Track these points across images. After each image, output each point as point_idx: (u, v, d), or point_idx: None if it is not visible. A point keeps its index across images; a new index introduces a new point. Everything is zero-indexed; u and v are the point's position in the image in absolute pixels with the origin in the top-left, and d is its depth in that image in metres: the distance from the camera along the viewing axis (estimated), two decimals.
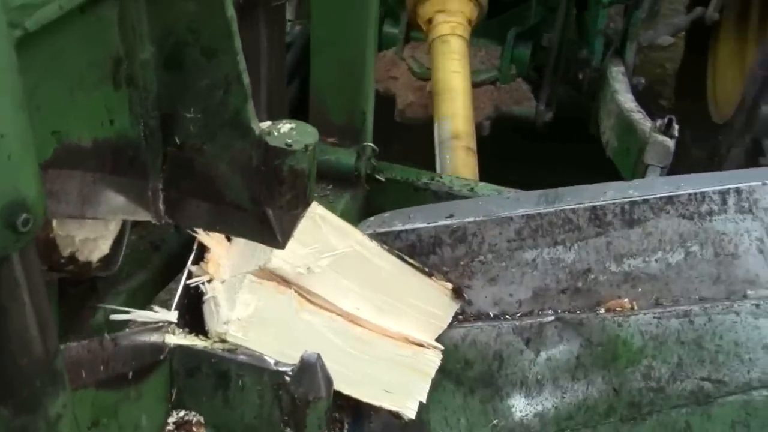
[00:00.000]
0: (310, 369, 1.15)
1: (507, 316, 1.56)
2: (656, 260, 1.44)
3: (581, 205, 1.46)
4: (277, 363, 1.19)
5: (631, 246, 1.45)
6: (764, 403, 1.36)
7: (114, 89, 0.97)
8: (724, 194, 1.38)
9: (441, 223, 1.56)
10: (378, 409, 1.44)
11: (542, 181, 2.36)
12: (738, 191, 1.37)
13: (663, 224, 1.42)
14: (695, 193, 1.39)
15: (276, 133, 1.02)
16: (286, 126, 1.03)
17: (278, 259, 1.20)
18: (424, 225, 1.56)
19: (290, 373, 1.17)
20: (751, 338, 1.36)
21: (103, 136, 0.97)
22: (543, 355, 1.54)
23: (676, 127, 1.98)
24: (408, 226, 1.57)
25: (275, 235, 1.06)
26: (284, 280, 1.25)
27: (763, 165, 2.32)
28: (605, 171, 2.84)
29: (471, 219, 1.54)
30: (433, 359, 1.48)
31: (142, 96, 1.00)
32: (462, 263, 1.57)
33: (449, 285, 1.49)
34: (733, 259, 1.39)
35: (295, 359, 1.20)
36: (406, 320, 1.46)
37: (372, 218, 1.65)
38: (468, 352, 1.56)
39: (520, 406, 1.55)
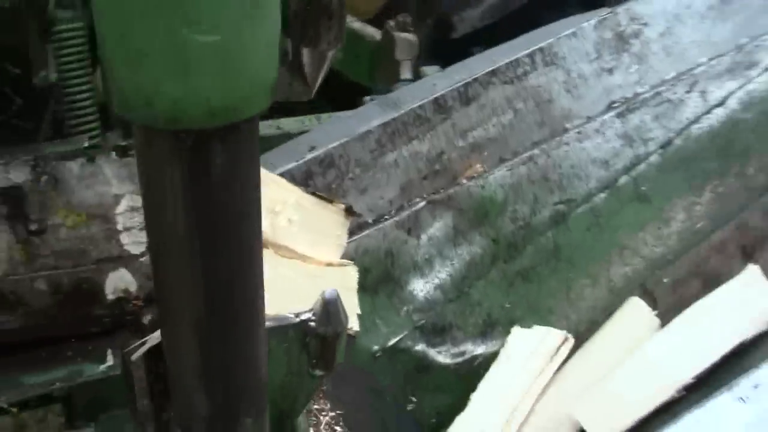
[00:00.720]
0: (333, 305, 1.24)
1: (385, 217, 1.75)
2: (493, 125, 1.73)
3: (426, 100, 1.67)
4: (297, 315, 1.25)
5: (471, 120, 1.72)
6: (604, 202, 1.76)
7: None
8: (532, 55, 1.70)
9: (310, 156, 1.66)
10: None
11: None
12: (541, 50, 1.70)
13: (492, 94, 1.70)
14: (511, 61, 1.69)
15: None
16: None
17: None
18: (295, 164, 1.66)
19: (313, 317, 1.25)
20: (581, 158, 1.74)
21: None
22: (424, 237, 1.76)
23: (410, 22, 2.26)
24: (280, 170, 1.65)
25: (307, 83, 1.08)
26: None
27: (454, 38, 2.73)
28: None
29: (335, 144, 1.67)
30: (353, 274, 1.62)
31: None
32: (334, 186, 1.70)
33: (342, 206, 1.63)
34: (550, 103, 1.73)
35: (294, 310, 1.27)
36: (326, 248, 1.57)
37: None
38: (363, 261, 1.72)
39: (420, 287, 1.77)
